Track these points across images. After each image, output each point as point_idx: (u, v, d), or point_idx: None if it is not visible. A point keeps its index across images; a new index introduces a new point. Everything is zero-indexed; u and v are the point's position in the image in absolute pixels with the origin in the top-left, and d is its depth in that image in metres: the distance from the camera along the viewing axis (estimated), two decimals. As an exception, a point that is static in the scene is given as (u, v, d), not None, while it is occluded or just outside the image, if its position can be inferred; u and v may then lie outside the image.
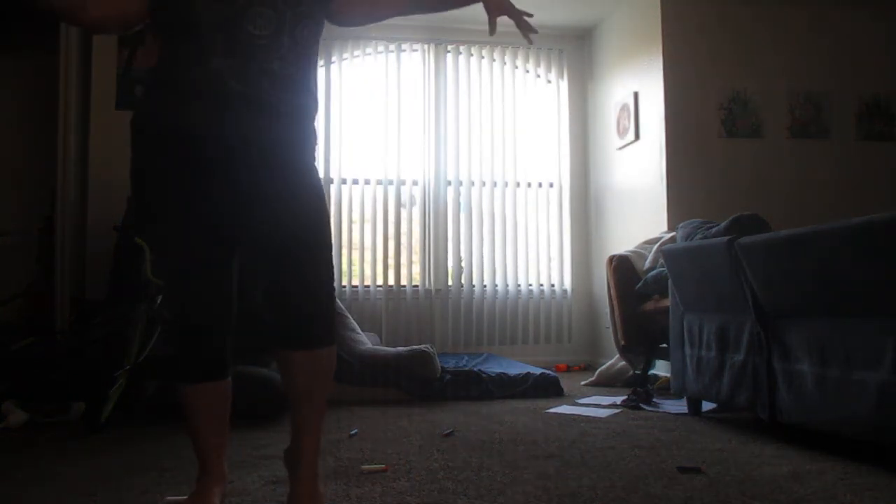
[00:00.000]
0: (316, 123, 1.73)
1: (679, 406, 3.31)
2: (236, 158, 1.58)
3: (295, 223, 1.62)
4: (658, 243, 4.01)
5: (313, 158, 1.72)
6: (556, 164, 5.71)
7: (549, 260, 5.66)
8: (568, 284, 5.63)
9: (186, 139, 1.57)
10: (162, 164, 1.59)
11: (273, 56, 1.58)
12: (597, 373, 4.46)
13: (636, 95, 4.88)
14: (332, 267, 1.70)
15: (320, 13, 1.68)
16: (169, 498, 1.83)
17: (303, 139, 1.68)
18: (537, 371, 3.95)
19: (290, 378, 1.68)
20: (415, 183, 5.51)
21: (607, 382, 4.33)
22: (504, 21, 1.83)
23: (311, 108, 1.69)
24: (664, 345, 3.60)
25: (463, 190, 5.55)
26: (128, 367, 2.99)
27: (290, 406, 1.71)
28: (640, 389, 3.55)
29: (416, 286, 5.43)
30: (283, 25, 1.57)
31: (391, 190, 5.42)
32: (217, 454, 1.70)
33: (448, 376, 3.72)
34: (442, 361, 3.98)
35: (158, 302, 3.25)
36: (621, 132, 5.07)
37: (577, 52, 5.78)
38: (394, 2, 1.80)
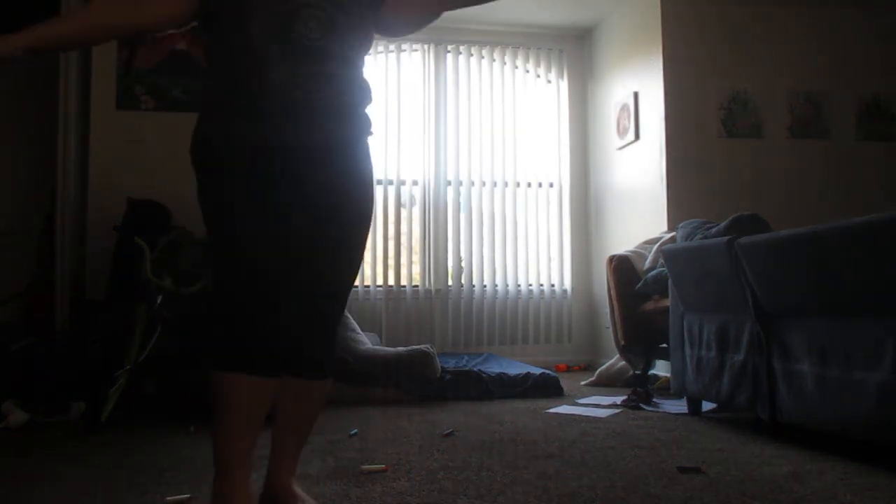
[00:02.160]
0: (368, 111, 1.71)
1: (679, 406, 3.31)
2: (307, 164, 1.58)
3: (336, 240, 1.63)
4: (658, 243, 4.01)
5: (368, 147, 1.70)
6: (556, 164, 5.71)
7: (549, 260, 5.67)
8: (568, 284, 5.64)
9: (257, 152, 1.53)
10: (234, 177, 1.54)
11: (327, 58, 1.54)
12: (597, 373, 4.46)
13: (636, 95, 4.88)
14: (348, 293, 1.70)
15: (370, 16, 1.64)
16: (169, 498, 1.83)
17: (358, 135, 1.66)
18: (537, 371, 3.95)
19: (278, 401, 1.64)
20: (415, 183, 5.51)
21: (607, 382, 4.33)
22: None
23: (366, 100, 1.67)
24: (664, 345, 3.60)
25: (463, 190, 5.55)
26: (128, 367, 2.99)
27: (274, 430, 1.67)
28: (640, 389, 3.55)
29: (416, 286, 5.43)
30: (334, 28, 1.54)
31: (391, 190, 5.42)
32: (246, 458, 1.54)
33: (448, 376, 3.72)
34: (442, 361, 3.97)
35: (159, 302, 3.26)
36: (621, 132, 5.07)
37: (577, 52, 5.78)
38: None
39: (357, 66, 1.64)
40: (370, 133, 1.69)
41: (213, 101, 1.58)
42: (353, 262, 1.68)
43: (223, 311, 1.53)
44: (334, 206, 1.63)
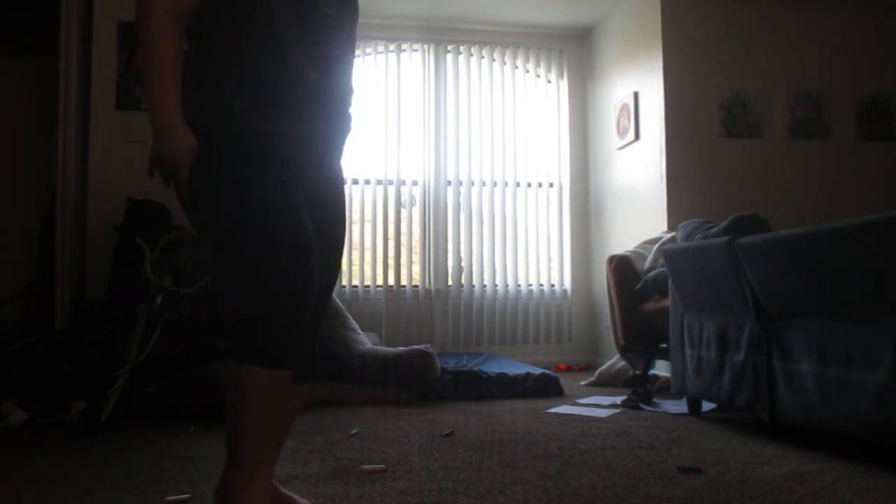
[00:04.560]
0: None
1: (679, 406, 3.31)
2: (325, 152, 1.56)
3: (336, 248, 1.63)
4: (658, 243, 4.01)
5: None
6: (556, 164, 5.72)
7: (549, 260, 5.67)
8: (568, 284, 5.64)
9: (276, 144, 1.45)
10: (255, 168, 1.44)
11: (340, 40, 1.51)
12: (597, 373, 4.46)
13: (636, 95, 4.88)
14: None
15: None
16: (169, 498, 1.83)
17: (350, 127, 1.64)
18: (537, 371, 3.95)
19: None
20: (415, 183, 5.51)
21: (607, 382, 4.33)
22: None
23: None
24: (664, 345, 3.61)
25: (463, 190, 5.56)
26: (128, 367, 2.99)
27: None
28: (640, 389, 3.55)
29: (416, 286, 5.43)
30: (347, 4, 1.53)
31: (391, 190, 5.42)
32: (268, 466, 1.49)
33: (448, 376, 3.72)
34: (442, 361, 3.98)
35: (159, 302, 3.26)
36: (621, 132, 5.08)
37: (577, 52, 5.79)
38: None
39: (354, 52, 1.62)
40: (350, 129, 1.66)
41: (222, 86, 1.44)
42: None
43: (260, 307, 1.41)
44: (339, 202, 1.62)
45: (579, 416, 3.15)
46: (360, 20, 1.69)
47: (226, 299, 1.46)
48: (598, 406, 3.43)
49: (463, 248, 5.53)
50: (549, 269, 5.66)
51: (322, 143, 1.56)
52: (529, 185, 5.66)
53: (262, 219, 1.41)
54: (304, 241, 1.44)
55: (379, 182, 5.41)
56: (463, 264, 5.53)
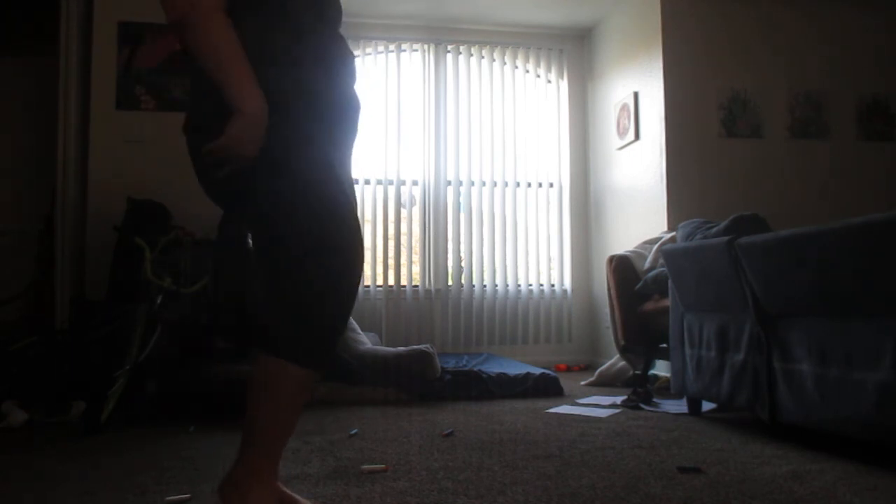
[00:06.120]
0: None
1: (679, 406, 3.31)
2: (349, 168, 1.62)
3: None
4: (658, 243, 4.01)
5: None
6: (556, 164, 5.72)
7: (549, 260, 5.67)
8: (568, 284, 5.64)
9: (335, 160, 1.50)
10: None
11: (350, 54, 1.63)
12: (597, 373, 4.46)
13: (636, 95, 4.88)
14: None
15: None
16: (169, 498, 1.83)
17: None
18: (537, 371, 3.95)
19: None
20: (415, 183, 5.51)
21: (607, 382, 4.33)
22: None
23: None
24: (664, 345, 3.61)
25: (463, 190, 5.56)
26: (128, 367, 2.99)
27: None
28: (640, 389, 3.55)
29: (416, 286, 5.43)
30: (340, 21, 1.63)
31: (391, 190, 5.43)
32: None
33: (448, 376, 3.72)
34: (442, 361, 3.98)
35: (159, 302, 3.26)
36: (621, 132, 5.08)
37: (577, 52, 5.79)
38: None
39: None
40: None
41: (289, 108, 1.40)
42: None
43: (324, 310, 1.42)
44: None
45: (579, 416, 3.15)
46: (360, 20, 1.72)
47: (281, 295, 1.43)
48: (598, 406, 3.43)
49: (463, 248, 5.53)
50: (549, 269, 5.66)
51: (350, 156, 1.61)
52: (529, 185, 5.66)
53: (341, 223, 1.43)
54: (362, 248, 1.49)
55: (379, 182, 5.41)
56: (463, 264, 5.54)
